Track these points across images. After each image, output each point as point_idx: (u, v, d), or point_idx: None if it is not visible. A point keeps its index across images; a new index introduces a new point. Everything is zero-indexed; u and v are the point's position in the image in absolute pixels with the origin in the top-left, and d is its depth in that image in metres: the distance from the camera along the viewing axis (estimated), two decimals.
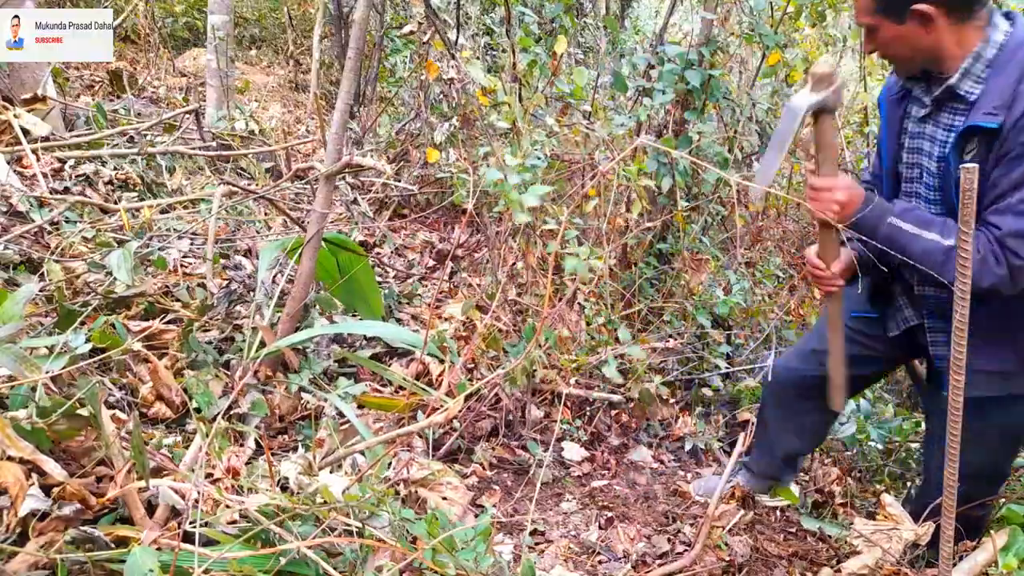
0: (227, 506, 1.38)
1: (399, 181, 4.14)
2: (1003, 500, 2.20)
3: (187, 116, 3.98)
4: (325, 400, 2.12)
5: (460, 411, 2.20)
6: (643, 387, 2.65)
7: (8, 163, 2.82)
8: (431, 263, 3.69)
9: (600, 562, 1.93)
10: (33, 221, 2.54)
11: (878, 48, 1.59)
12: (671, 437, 2.84)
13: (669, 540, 2.09)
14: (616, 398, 2.63)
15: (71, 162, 3.15)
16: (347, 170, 2.41)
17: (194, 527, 1.23)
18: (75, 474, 1.44)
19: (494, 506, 2.03)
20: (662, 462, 2.68)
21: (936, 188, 1.62)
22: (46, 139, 3.12)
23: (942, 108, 1.57)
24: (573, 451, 2.52)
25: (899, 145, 1.70)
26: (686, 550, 1.99)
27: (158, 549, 1.26)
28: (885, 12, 1.49)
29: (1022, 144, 1.40)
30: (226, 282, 2.39)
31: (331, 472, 1.65)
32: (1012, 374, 1.64)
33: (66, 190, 2.98)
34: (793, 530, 2.34)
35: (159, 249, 2.63)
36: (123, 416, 1.68)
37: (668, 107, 2.86)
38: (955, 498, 1.37)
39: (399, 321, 2.93)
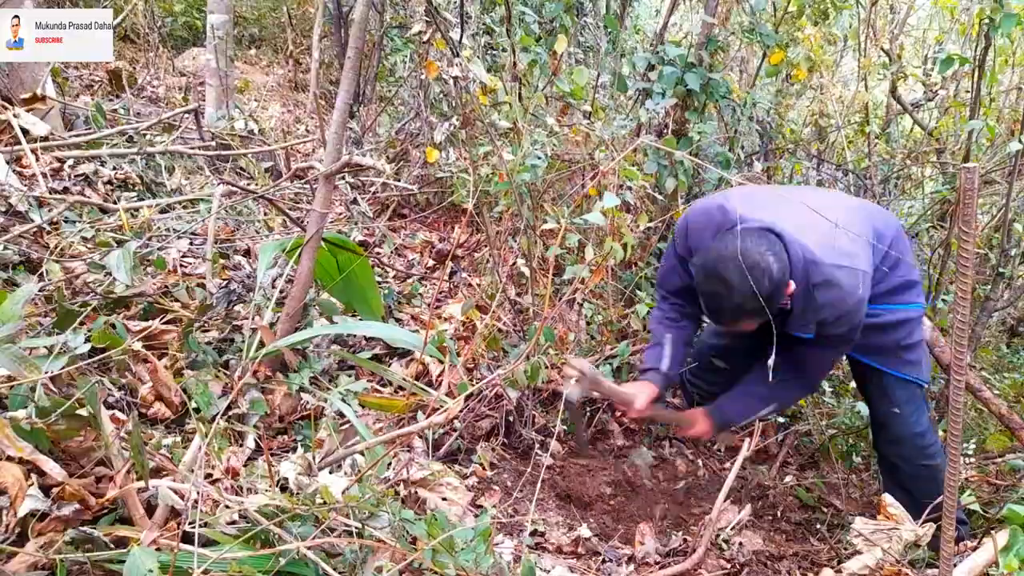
0: (226, 506, 1.38)
1: (399, 181, 4.13)
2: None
3: (186, 116, 3.97)
4: (325, 400, 2.12)
5: (460, 411, 2.19)
6: None
7: (7, 163, 2.81)
8: (431, 263, 3.69)
9: (601, 562, 1.93)
10: (32, 221, 2.54)
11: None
12: (672, 436, 2.83)
13: (671, 540, 2.09)
14: None
15: (70, 162, 3.15)
16: (347, 170, 2.40)
17: (193, 527, 1.22)
18: (74, 474, 1.44)
19: (494, 506, 2.03)
20: (663, 460, 2.68)
21: None
22: (45, 139, 3.12)
23: None
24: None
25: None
26: (688, 551, 1.99)
27: (157, 549, 1.25)
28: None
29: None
30: (225, 282, 2.39)
31: (331, 472, 1.64)
32: None
33: (65, 190, 2.98)
34: (794, 530, 2.34)
35: (158, 249, 2.62)
36: (122, 416, 1.67)
37: (668, 108, 2.86)
38: (956, 498, 1.37)
39: (399, 321, 2.93)
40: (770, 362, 1.91)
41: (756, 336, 2.04)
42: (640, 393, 2.15)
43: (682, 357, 2.27)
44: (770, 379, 1.95)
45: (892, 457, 2.23)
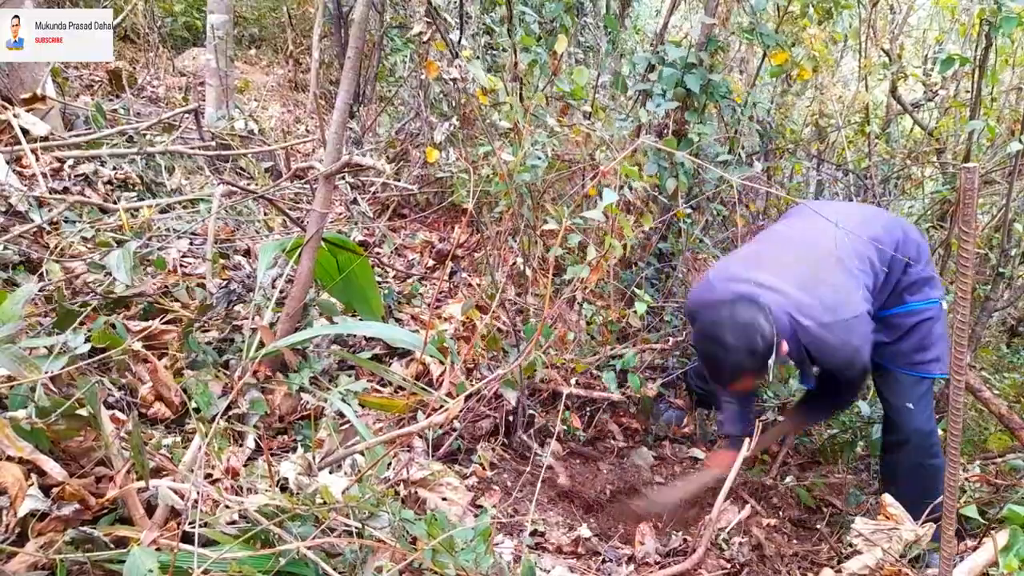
0: (226, 506, 1.38)
1: (399, 181, 4.13)
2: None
3: (186, 116, 3.97)
4: (325, 400, 2.12)
5: (460, 411, 2.19)
6: (644, 395, 2.66)
7: (7, 163, 2.81)
8: (431, 263, 3.68)
9: (601, 562, 1.93)
10: (32, 221, 2.54)
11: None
12: (673, 436, 2.83)
13: (671, 540, 2.09)
14: (617, 398, 2.63)
15: (70, 162, 3.14)
16: (347, 170, 2.40)
17: (193, 527, 1.22)
18: (74, 474, 1.44)
19: (494, 506, 2.03)
20: (663, 459, 2.68)
21: None
22: (45, 139, 3.12)
23: None
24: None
25: None
26: (688, 551, 1.99)
27: (157, 549, 1.25)
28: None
29: None
30: (225, 282, 2.38)
31: (331, 472, 1.64)
32: None
33: (65, 190, 2.97)
34: (794, 530, 2.34)
35: (158, 249, 2.62)
36: (122, 416, 1.67)
37: (668, 109, 2.86)
38: (956, 498, 1.37)
39: (399, 321, 2.93)
40: (770, 362, 1.95)
41: None
42: (729, 461, 2.22)
43: (749, 417, 2.38)
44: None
45: (896, 453, 2.26)
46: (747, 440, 1.94)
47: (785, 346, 1.98)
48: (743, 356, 1.91)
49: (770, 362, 1.93)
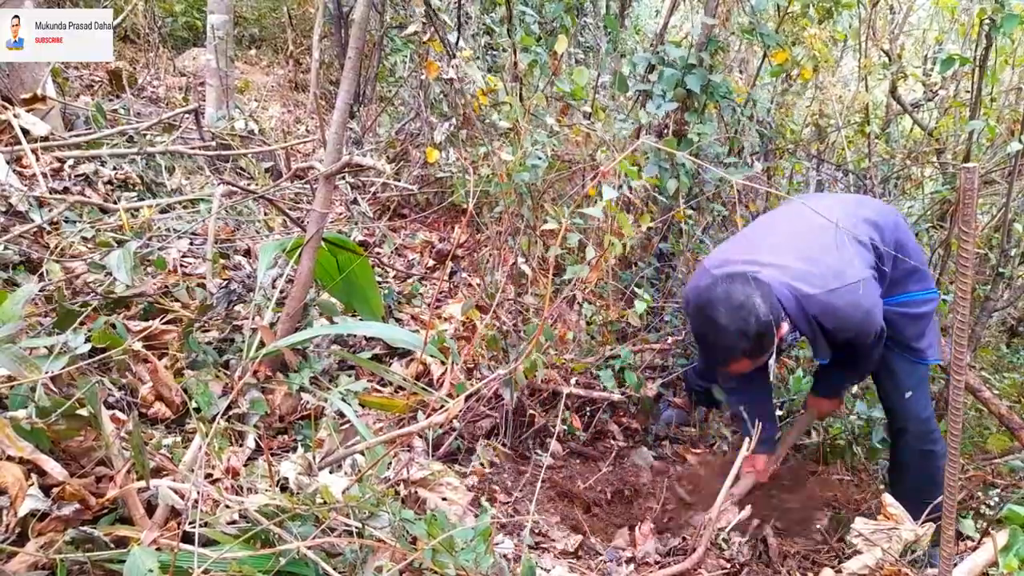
0: (227, 506, 1.38)
1: (399, 181, 4.13)
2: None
3: (187, 116, 3.97)
4: (325, 400, 2.12)
5: (460, 411, 2.19)
6: (644, 395, 2.65)
7: (8, 163, 2.81)
8: (431, 263, 3.69)
9: (601, 562, 1.93)
10: (33, 221, 2.54)
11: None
12: (673, 436, 2.83)
13: (671, 540, 2.09)
14: (617, 397, 2.63)
15: (70, 162, 3.14)
16: (347, 170, 2.40)
17: (194, 527, 1.22)
18: (75, 474, 1.44)
19: (494, 506, 2.03)
20: (663, 459, 2.68)
21: None
22: (45, 139, 3.12)
23: None
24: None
25: None
26: (688, 551, 1.99)
27: (158, 549, 1.25)
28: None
29: None
30: (225, 282, 2.39)
31: (331, 472, 1.64)
32: None
33: (65, 190, 2.98)
34: (794, 531, 2.33)
35: (158, 249, 2.62)
36: (123, 416, 1.67)
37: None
38: (956, 498, 1.37)
39: (399, 321, 2.93)
40: (770, 362, 1.93)
41: None
42: (763, 467, 2.29)
43: (771, 415, 2.36)
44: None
45: (897, 442, 2.29)
46: (776, 441, 1.95)
47: (785, 327, 1.93)
48: (735, 337, 1.86)
49: (768, 345, 1.88)
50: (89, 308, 2.09)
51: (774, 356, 1.96)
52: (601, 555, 1.96)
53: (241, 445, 1.89)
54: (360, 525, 1.40)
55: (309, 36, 5.95)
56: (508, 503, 2.10)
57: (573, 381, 2.58)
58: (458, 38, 2.75)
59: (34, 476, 1.36)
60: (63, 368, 1.54)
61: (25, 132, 3.03)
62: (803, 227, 2.05)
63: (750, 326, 1.84)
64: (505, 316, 2.45)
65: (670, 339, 2.92)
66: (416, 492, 1.80)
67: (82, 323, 2.00)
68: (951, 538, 1.39)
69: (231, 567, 1.21)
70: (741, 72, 4.21)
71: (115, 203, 2.87)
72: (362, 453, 1.69)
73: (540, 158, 2.45)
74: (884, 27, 4.20)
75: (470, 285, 3.29)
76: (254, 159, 4.00)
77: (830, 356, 2.09)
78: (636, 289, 2.64)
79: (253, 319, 2.18)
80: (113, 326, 2.01)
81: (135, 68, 5.42)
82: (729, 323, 1.85)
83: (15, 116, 3.04)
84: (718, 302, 1.87)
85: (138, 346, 1.99)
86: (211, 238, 2.54)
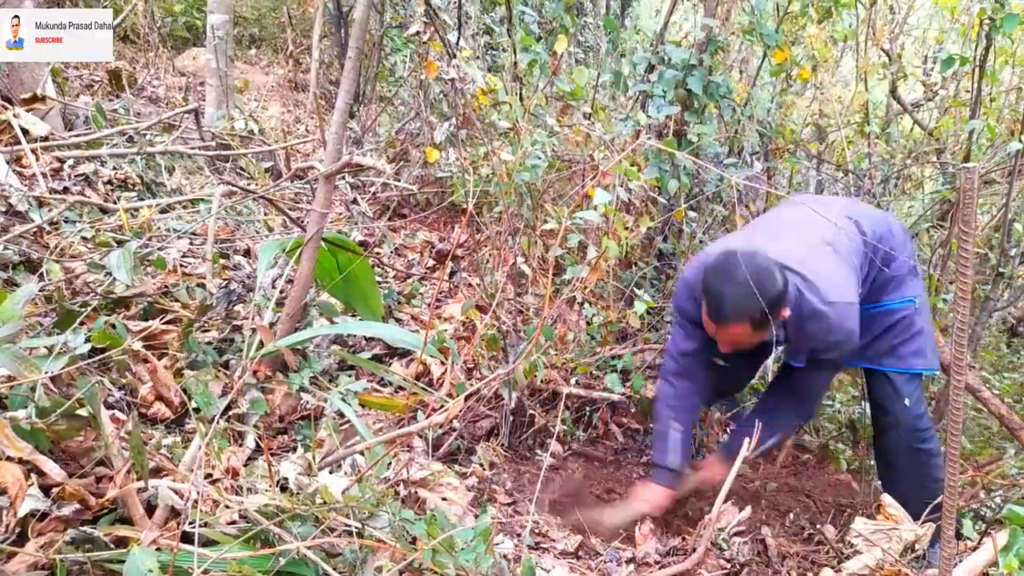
0: (226, 506, 1.38)
1: (399, 181, 4.13)
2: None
3: (186, 116, 3.97)
4: (325, 400, 2.12)
5: (460, 411, 2.19)
6: (644, 395, 2.65)
7: (7, 163, 2.81)
8: (431, 263, 3.69)
9: (601, 562, 1.93)
10: (32, 221, 2.54)
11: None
12: None
13: (671, 540, 2.09)
14: (617, 398, 2.63)
15: (70, 162, 3.15)
16: (347, 170, 2.40)
17: (193, 527, 1.22)
18: (74, 474, 1.44)
19: (494, 506, 2.03)
20: None
21: None
22: (45, 139, 3.12)
23: None
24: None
25: None
26: (688, 551, 1.99)
27: (157, 549, 1.25)
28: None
29: None
30: (225, 282, 2.39)
31: (331, 472, 1.64)
32: None
33: (65, 190, 2.98)
34: (794, 531, 2.33)
35: (158, 249, 2.62)
36: (122, 416, 1.67)
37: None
38: (956, 499, 1.37)
39: (399, 321, 2.93)
40: (769, 361, 1.93)
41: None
42: (657, 501, 2.18)
43: (689, 446, 2.29)
44: (768, 400, 2.14)
45: (887, 443, 2.26)
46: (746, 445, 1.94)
47: (787, 311, 1.95)
48: (750, 296, 1.83)
49: (770, 320, 1.88)
50: (89, 308, 2.09)
51: (773, 356, 1.96)
52: (601, 555, 1.96)
53: (241, 445, 1.89)
54: (360, 525, 1.40)
55: (309, 36, 5.95)
56: (508, 503, 2.10)
57: (573, 381, 2.58)
58: (458, 38, 2.74)
59: (34, 476, 1.36)
60: (63, 368, 1.54)
61: (25, 132, 3.03)
62: (806, 236, 2.08)
63: (768, 289, 1.85)
64: (505, 316, 2.45)
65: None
66: (416, 492, 1.80)
67: (82, 323, 2.00)
68: (951, 538, 1.39)
69: (231, 567, 1.21)
70: (741, 72, 4.21)
71: (115, 203, 2.87)
72: (362, 453, 1.69)
73: (540, 158, 2.45)
74: (884, 27, 4.20)
75: (470, 285, 3.29)
76: (254, 159, 4.00)
77: (800, 361, 2.09)
78: (636, 289, 2.64)
79: (253, 319, 2.18)
80: (113, 326, 2.01)
81: (135, 68, 5.42)
82: (751, 277, 1.83)
83: (15, 116, 3.04)
84: (743, 261, 1.88)
85: (138, 346, 1.99)
86: (211, 238, 2.54)
